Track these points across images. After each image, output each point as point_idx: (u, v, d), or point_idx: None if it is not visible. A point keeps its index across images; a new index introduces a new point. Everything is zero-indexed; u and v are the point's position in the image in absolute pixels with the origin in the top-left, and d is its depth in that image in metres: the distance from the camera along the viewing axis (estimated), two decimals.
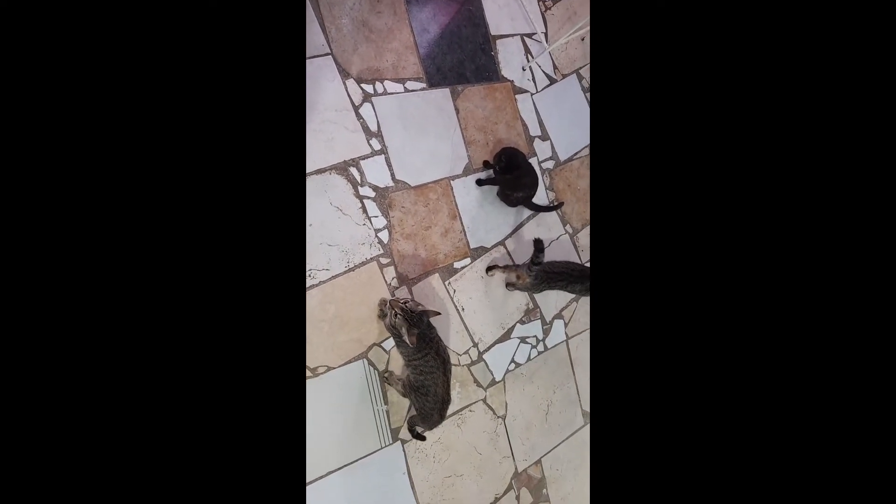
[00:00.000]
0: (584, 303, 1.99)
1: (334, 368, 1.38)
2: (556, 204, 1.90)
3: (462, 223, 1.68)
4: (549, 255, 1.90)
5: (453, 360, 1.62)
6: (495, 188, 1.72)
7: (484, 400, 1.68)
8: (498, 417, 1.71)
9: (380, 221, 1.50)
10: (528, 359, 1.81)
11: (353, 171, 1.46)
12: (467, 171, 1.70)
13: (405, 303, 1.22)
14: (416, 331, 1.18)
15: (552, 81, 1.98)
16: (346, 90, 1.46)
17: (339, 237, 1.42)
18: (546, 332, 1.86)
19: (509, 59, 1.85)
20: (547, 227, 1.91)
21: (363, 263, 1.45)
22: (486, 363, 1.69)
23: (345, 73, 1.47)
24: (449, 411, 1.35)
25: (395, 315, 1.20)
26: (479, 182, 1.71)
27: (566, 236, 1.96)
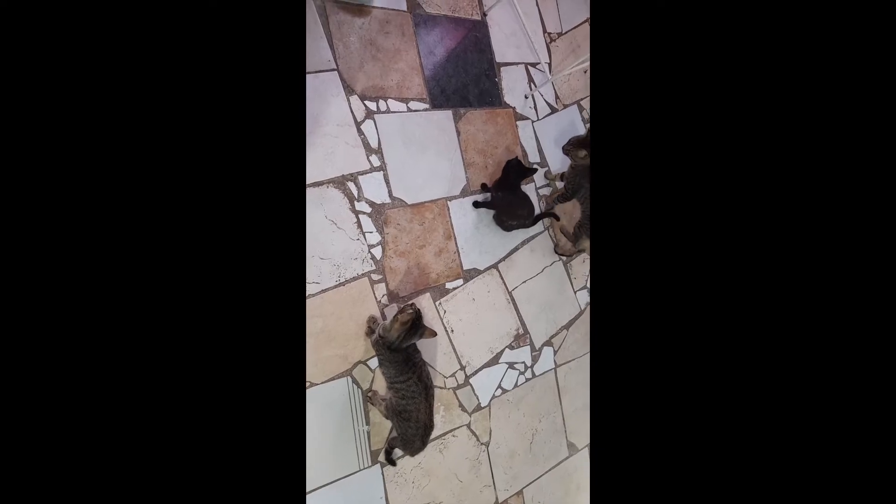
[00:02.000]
0: (575, 331, 1.98)
1: (317, 384, 1.35)
2: (549, 212, 1.88)
3: (457, 244, 1.68)
4: (542, 282, 1.90)
5: (439, 382, 1.59)
6: (492, 211, 1.73)
7: (468, 425, 1.65)
8: (481, 444, 1.67)
9: (374, 237, 1.49)
10: (516, 385, 1.78)
11: (351, 185, 1.46)
12: (465, 193, 1.71)
13: (417, 310, 1.21)
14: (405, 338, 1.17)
15: (553, 110, 2.02)
16: (350, 106, 1.48)
17: (331, 251, 1.41)
18: (535, 359, 1.84)
19: (512, 86, 1.89)
20: (541, 253, 1.91)
21: (354, 279, 1.44)
22: (472, 387, 1.67)
23: (349, 90, 1.48)
24: (431, 436, 1.32)
25: (406, 315, 1.18)
26: (476, 204, 1.72)
27: (559, 263, 1.96)
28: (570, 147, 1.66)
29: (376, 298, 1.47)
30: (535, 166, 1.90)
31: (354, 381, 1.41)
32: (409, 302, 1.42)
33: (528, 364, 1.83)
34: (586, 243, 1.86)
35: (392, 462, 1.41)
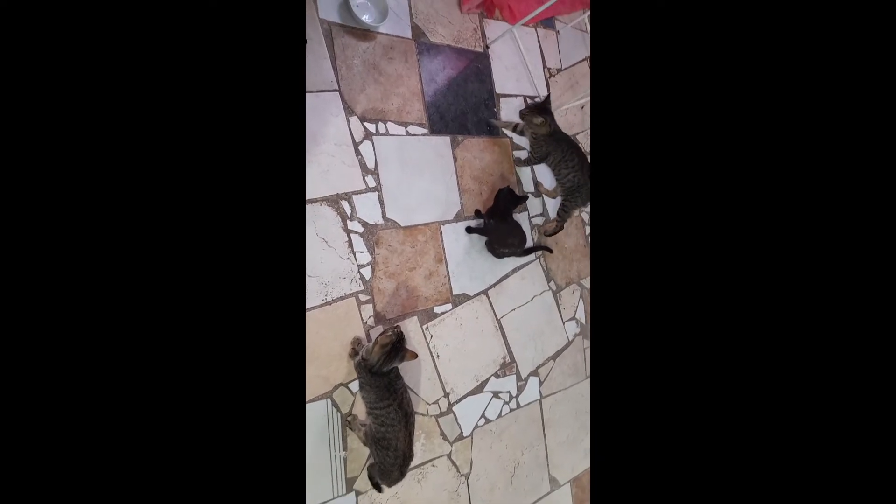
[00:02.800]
0: (562, 362, 1.96)
1: None
2: (542, 245, 1.90)
3: (447, 268, 1.67)
4: (531, 311, 1.89)
5: (422, 408, 1.55)
6: (483, 238, 1.74)
7: (448, 455, 1.60)
8: (461, 475, 1.62)
9: (364, 257, 1.48)
10: (500, 415, 1.75)
11: (345, 204, 1.46)
12: (458, 218, 1.72)
13: (399, 333, 1.20)
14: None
15: None
16: (349, 126, 1.49)
17: (320, 269, 1.39)
18: (520, 389, 1.81)
19: (511, 116, 1.93)
20: (531, 282, 1.91)
21: (342, 298, 1.42)
22: (455, 415, 1.63)
23: (349, 110, 1.50)
24: (410, 465, 1.27)
25: (386, 337, 1.16)
26: (469, 230, 1.72)
27: (549, 293, 1.96)
28: (528, 111, 1.71)
29: (362, 319, 1.45)
30: (527, 194, 1.92)
31: (334, 404, 1.37)
32: (394, 325, 1.40)
33: (514, 394, 1.80)
34: (575, 210, 1.88)
35: (378, 486, 1.34)
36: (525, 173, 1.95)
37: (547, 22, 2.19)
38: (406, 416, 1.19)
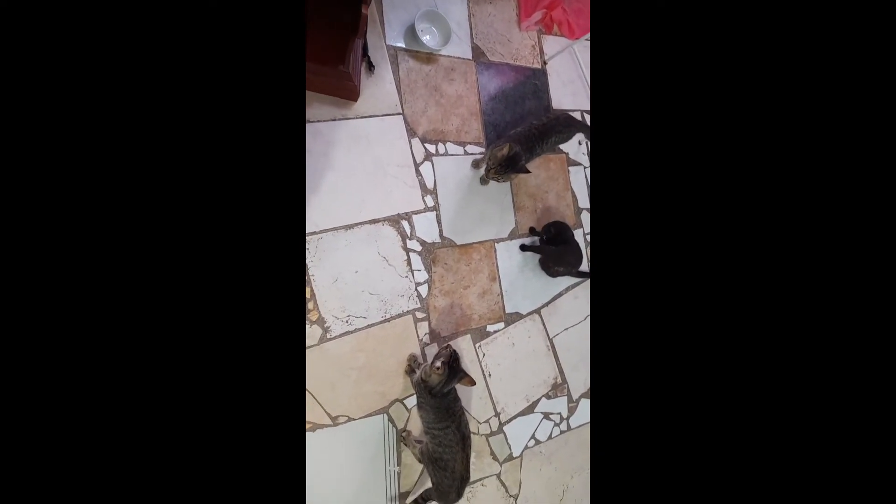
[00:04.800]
0: None
1: (354, 420, 1.36)
2: None
3: (500, 286, 1.67)
4: (584, 331, 1.85)
5: (473, 427, 1.56)
6: (537, 256, 1.72)
7: (498, 475, 1.60)
8: (510, 496, 1.62)
9: (422, 275, 1.52)
10: (550, 437, 1.72)
11: (405, 224, 1.50)
12: (513, 236, 1.72)
13: (453, 352, 1.21)
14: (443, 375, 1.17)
15: None
16: (411, 148, 1.53)
17: (380, 287, 1.44)
18: (571, 411, 1.78)
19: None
20: (584, 300, 1.87)
21: (399, 315, 1.46)
22: (505, 435, 1.62)
23: (412, 132, 1.54)
24: None
25: (442, 360, 1.17)
26: (523, 247, 1.71)
27: None
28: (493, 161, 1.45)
29: (419, 337, 1.48)
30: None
31: (390, 419, 1.41)
32: (445, 345, 1.42)
33: (564, 416, 1.77)
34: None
35: None
36: (581, 189, 1.91)
37: None
38: (464, 439, 1.20)
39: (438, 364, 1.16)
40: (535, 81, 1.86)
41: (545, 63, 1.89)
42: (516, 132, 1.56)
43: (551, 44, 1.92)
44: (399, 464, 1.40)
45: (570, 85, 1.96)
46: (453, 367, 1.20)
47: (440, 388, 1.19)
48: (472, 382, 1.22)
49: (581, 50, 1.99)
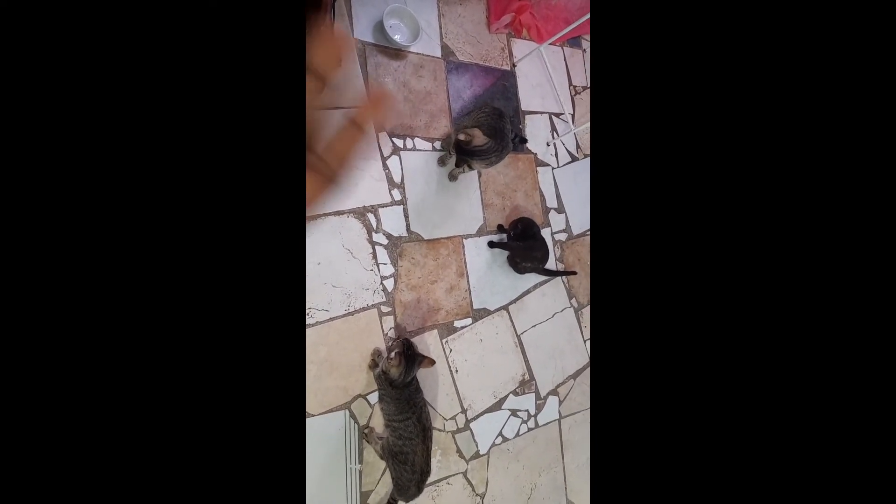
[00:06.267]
0: (582, 381, 1.92)
1: (314, 416, 1.32)
2: (567, 270, 1.90)
3: (468, 282, 1.67)
4: (552, 328, 1.87)
5: (439, 423, 1.54)
6: (506, 252, 1.73)
7: (464, 473, 1.58)
8: (476, 495, 1.59)
9: (387, 269, 1.50)
10: (517, 434, 1.71)
11: (371, 216, 1.49)
12: (481, 232, 1.73)
13: (404, 340, 1.20)
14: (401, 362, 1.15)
15: (574, 159, 2.06)
16: (378, 141, 1.53)
17: (344, 279, 1.41)
18: (539, 408, 1.78)
19: (535, 133, 1.94)
20: (552, 298, 1.89)
21: (363, 309, 1.44)
22: (472, 432, 1.61)
23: (378, 126, 1.54)
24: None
25: (396, 345, 1.16)
26: (491, 244, 1.73)
27: (571, 310, 1.93)
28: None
29: (383, 331, 1.46)
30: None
31: (352, 416, 1.37)
32: (396, 337, 1.40)
33: (532, 413, 1.76)
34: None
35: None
36: (549, 189, 1.95)
37: (573, 41, 2.21)
38: (424, 431, 1.18)
39: (392, 356, 1.14)
40: (503, 83, 1.90)
41: (514, 65, 1.94)
42: (477, 119, 1.47)
43: (521, 47, 1.97)
44: (361, 462, 1.37)
45: (538, 88, 2.01)
46: (409, 354, 1.19)
47: (402, 379, 1.17)
48: (432, 362, 1.21)
49: (549, 54, 2.05)
